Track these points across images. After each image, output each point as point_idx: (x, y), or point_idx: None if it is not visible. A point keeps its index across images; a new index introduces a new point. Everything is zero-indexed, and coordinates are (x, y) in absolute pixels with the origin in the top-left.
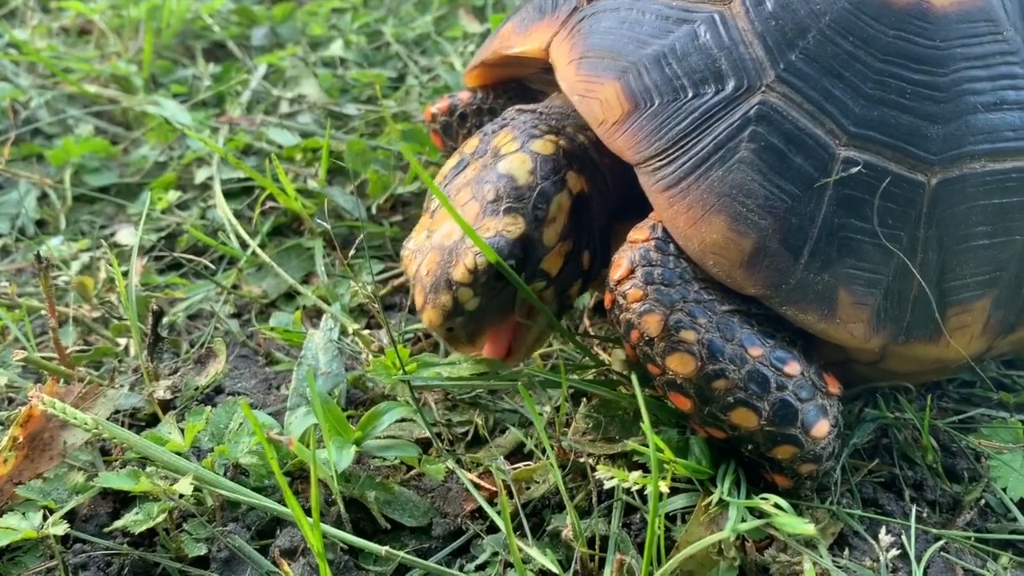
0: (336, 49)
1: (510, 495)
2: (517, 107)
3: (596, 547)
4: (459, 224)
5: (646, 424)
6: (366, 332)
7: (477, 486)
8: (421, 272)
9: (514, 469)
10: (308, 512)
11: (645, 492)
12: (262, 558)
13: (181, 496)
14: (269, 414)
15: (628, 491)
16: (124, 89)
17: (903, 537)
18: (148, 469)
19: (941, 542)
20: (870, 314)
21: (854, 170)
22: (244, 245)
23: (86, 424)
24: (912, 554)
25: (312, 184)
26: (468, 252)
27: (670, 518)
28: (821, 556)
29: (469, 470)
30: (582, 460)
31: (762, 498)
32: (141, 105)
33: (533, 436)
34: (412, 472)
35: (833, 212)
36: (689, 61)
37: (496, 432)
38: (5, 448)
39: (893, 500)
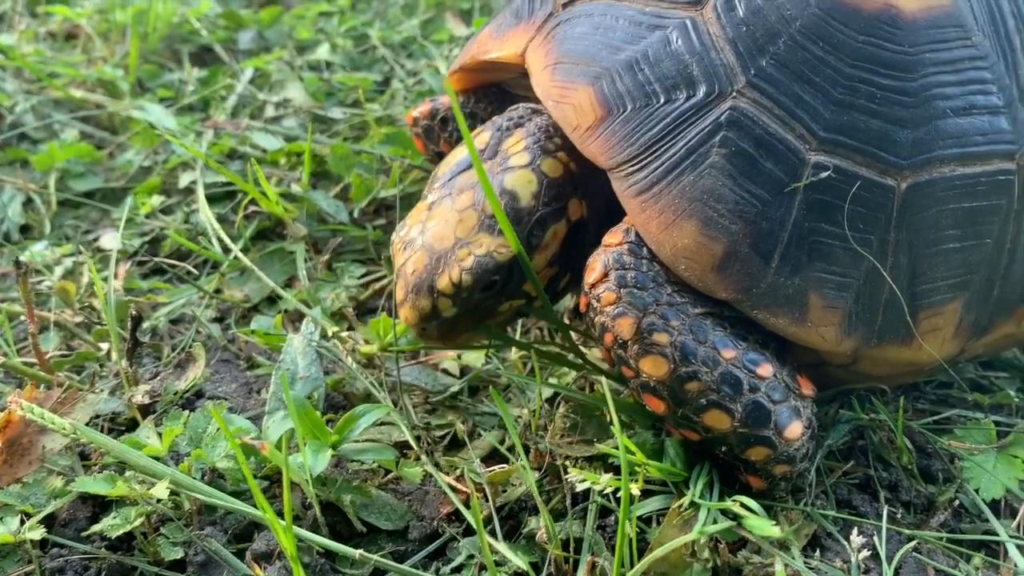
0: (323, 53)
1: (486, 498)
2: (532, 107)
3: (571, 549)
4: (500, 222)
5: (616, 428)
6: (345, 334)
7: (454, 489)
8: (407, 268)
9: (489, 472)
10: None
11: (619, 494)
12: (239, 562)
13: (158, 500)
14: (249, 418)
15: (603, 493)
16: (110, 94)
17: (875, 538)
18: (126, 473)
19: (913, 543)
20: (841, 317)
21: (824, 175)
22: (227, 249)
23: (64, 429)
24: (883, 555)
25: (296, 188)
26: (455, 265)
27: (645, 520)
28: (793, 557)
29: (447, 473)
30: (559, 462)
31: (733, 500)
32: (127, 110)
33: (510, 439)
34: (390, 475)
35: (803, 216)
36: (661, 67)
37: (475, 435)
38: None
39: (868, 501)
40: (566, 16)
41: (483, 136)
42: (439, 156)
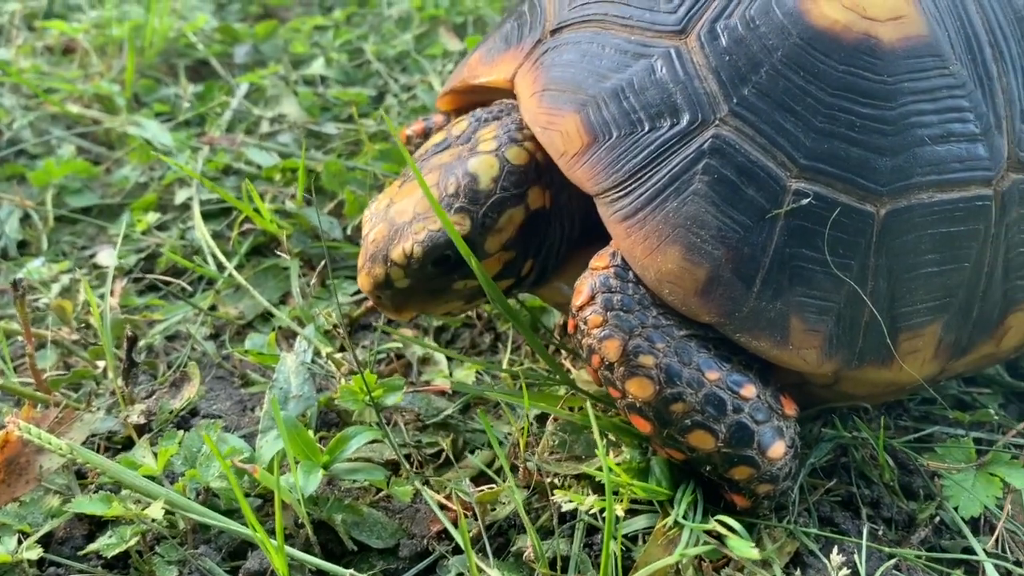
0: (317, 67)
1: (475, 517)
2: (512, 103)
3: (558, 568)
4: (434, 207)
5: (600, 450)
6: (339, 355)
7: (444, 507)
8: (369, 238)
9: (479, 491)
10: (276, 536)
11: (605, 513)
12: None
13: (153, 520)
14: (243, 436)
15: (590, 512)
16: (107, 109)
17: (856, 556)
18: (122, 493)
19: (893, 560)
20: (822, 340)
21: (804, 201)
22: (222, 267)
23: (61, 449)
24: (863, 572)
25: (290, 205)
26: (410, 238)
27: (631, 539)
28: (775, 575)
29: (437, 491)
30: (547, 480)
31: (717, 520)
32: (123, 125)
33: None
34: (380, 494)
35: (784, 242)
36: (646, 95)
37: (465, 453)
38: None
39: (850, 518)
40: (554, 43)
41: (461, 124)
42: None
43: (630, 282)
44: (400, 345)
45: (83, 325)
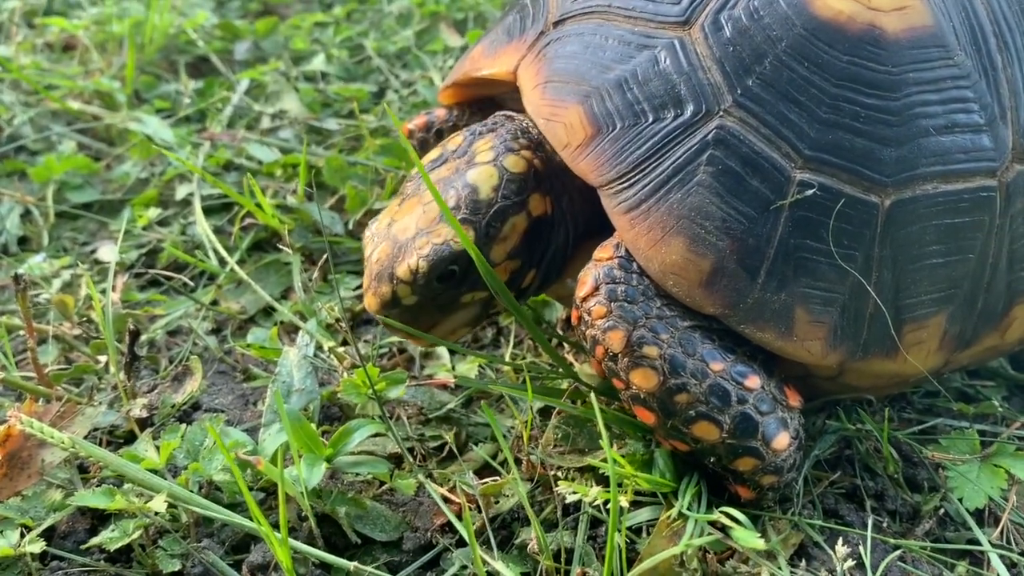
0: (318, 63)
1: (479, 510)
2: (506, 113)
3: (562, 560)
4: (442, 209)
5: (604, 441)
6: (341, 349)
7: (447, 500)
8: (372, 258)
9: (482, 484)
10: (280, 528)
11: (609, 505)
12: (235, 573)
13: (156, 513)
14: (245, 430)
15: (593, 504)
16: (107, 105)
17: (861, 547)
18: (125, 487)
19: (898, 552)
20: (827, 332)
21: (809, 192)
22: (223, 262)
23: (63, 443)
24: (868, 564)
25: (291, 200)
26: (414, 253)
27: (635, 531)
28: (779, 567)
29: (440, 484)
30: (550, 473)
31: (721, 512)
32: (124, 122)
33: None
34: (384, 487)
35: (789, 233)
36: (650, 86)
37: (469, 446)
38: None
39: (854, 510)
40: (557, 35)
41: (456, 139)
42: None
43: (634, 273)
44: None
45: (84, 320)
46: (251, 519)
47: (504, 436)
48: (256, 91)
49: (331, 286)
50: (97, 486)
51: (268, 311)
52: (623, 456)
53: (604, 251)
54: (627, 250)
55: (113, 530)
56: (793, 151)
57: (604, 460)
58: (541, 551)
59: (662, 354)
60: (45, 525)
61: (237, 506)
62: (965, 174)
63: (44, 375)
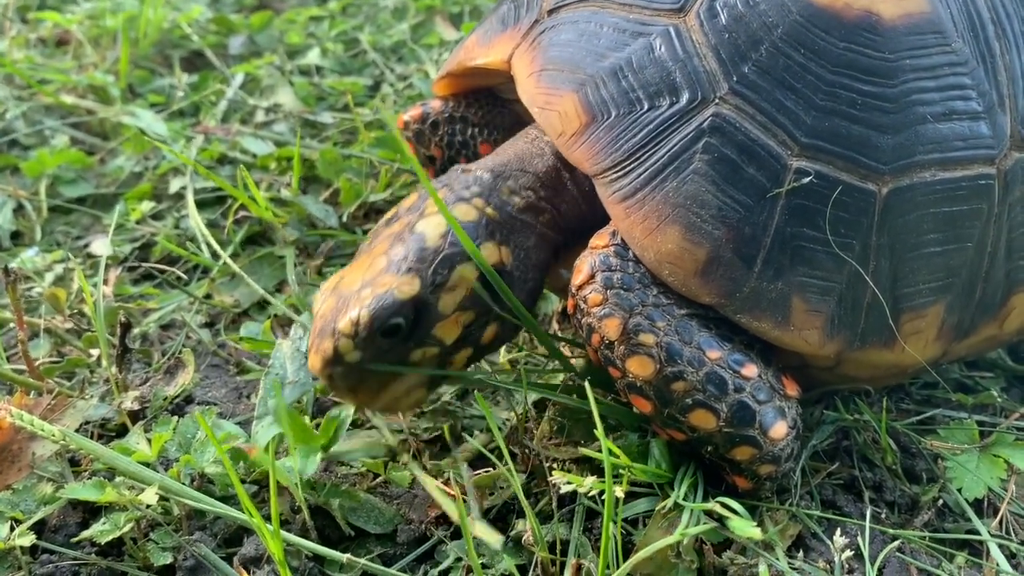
0: (313, 57)
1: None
2: (462, 167)
3: (557, 551)
4: (442, 210)
5: (599, 431)
6: None
7: (442, 492)
8: (317, 315)
9: (476, 475)
10: (272, 520)
11: (604, 496)
12: (227, 566)
13: (148, 506)
14: (238, 423)
15: (589, 495)
16: (101, 99)
17: (859, 538)
18: (116, 479)
19: (897, 542)
20: (824, 321)
21: (805, 180)
22: (216, 255)
23: (54, 435)
24: (866, 555)
25: (285, 193)
26: (356, 304)
27: (631, 522)
28: (777, 558)
29: (435, 476)
30: (546, 465)
31: (717, 501)
32: (117, 116)
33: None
34: (378, 479)
35: (786, 221)
36: (645, 74)
37: (464, 437)
38: None
39: (852, 501)
40: (551, 23)
41: (411, 198)
42: (430, 160)
43: (630, 260)
44: None
45: (76, 313)
46: (243, 511)
47: (499, 428)
48: (251, 85)
49: (325, 279)
50: (88, 479)
51: (262, 304)
52: (619, 447)
53: (600, 239)
54: (623, 238)
55: (104, 523)
56: (789, 139)
57: (600, 451)
58: (536, 543)
59: (658, 342)
60: (36, 518)
61: (229, 499)
62: (963, 162)
63: (35, 368)
